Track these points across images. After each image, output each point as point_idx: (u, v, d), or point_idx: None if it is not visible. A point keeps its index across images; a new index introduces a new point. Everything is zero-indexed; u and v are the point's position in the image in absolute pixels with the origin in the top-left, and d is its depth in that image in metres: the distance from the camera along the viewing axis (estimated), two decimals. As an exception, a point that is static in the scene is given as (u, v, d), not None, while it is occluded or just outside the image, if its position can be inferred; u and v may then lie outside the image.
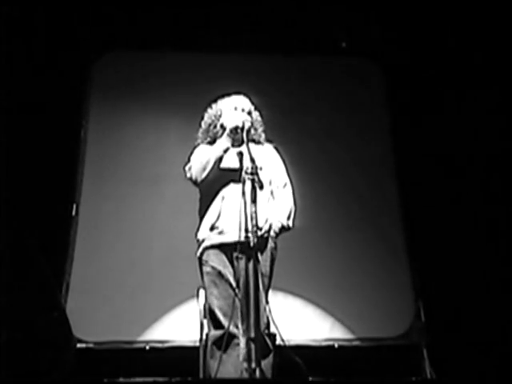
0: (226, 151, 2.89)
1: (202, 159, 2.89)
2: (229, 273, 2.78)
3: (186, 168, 3.00)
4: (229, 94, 3.15)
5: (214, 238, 2.84)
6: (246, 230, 2.49)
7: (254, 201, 2.51)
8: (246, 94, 3.16)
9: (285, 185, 3.03)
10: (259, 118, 3.14)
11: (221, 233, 2.83)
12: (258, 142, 3.10)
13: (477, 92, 4.56)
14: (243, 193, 2.58)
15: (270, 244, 2.88)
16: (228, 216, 2.80)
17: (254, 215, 2.50)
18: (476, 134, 4.51)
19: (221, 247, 2.82)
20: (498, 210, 4.33)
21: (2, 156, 3.59)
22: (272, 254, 2.88)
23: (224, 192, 2.87)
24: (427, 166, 4.57)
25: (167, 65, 4.87)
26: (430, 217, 4.43)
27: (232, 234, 2.71)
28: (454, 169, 4.51)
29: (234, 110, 3.03)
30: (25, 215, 3.87)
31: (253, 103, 3.15)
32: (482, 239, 4.27)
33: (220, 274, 2.79)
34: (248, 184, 2.56)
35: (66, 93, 4.50)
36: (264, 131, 3.15)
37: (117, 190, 4.46)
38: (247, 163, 2.61)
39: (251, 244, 2.46)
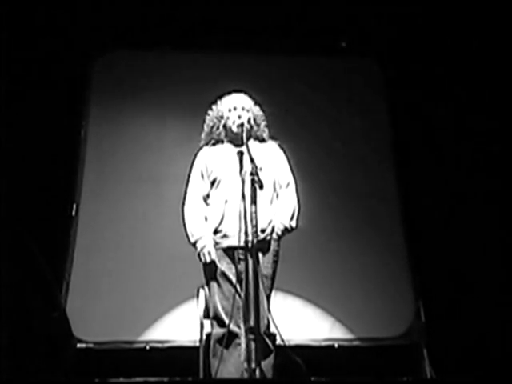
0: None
1: (191, 229, 2.91)
2: (232, 274, 2.80)
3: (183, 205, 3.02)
4: (228, 93, 3.15)
5: (218, 242, 2.87)
6: (247, 233, 2.50)
7: (254, 201, 2.52)
8: (245, 91, 3.16)
9: (288, 184, 3.03)
10: (260, 113, 3.12)
11: (224, 236, 2.85)
12: (261, 140, 3.09)
13: (477, 90, 4.56)
14: (243, 196, 2.59)
15: (273, 246, 2.89)
16: (231, 219, 2.81)
17: (253, 215, 2.50)
18: (476, 132, 4.51)
19: (224, 249, 2.85)
20: (499, 208, 4.33)
21: (2, 156, 3.59)
22: (274, 256, 2.89)
23: (227, 195, 2.87)
24: (427, 165, 4.57)
25: (167, 65, 4.86)
26: (431, 216, 4.43)
27: (235, 238, 2.74)
28: (454, 168, 4.51)
29: (233, 109, 3.03)
30: (25, 215, 3.87)
31: (253, 99, 3.14)
32: (483, 239, 4.27)
33: (224, 275, 2.81)
34: (248, 184, 2.56)
35: (65, 92, 4.50)
36: (267, 126, 3.13)
37: (117, 190, 4.47)
38: (247, 163, 2.62)
39: (249, 244, 2.47)
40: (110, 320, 4.07)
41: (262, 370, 2.38)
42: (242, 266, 2.73)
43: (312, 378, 2.63)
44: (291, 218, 2.94)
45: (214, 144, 3.07)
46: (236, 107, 3.03)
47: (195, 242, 2.88)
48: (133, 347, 4.06)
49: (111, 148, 4.60)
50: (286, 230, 2.92)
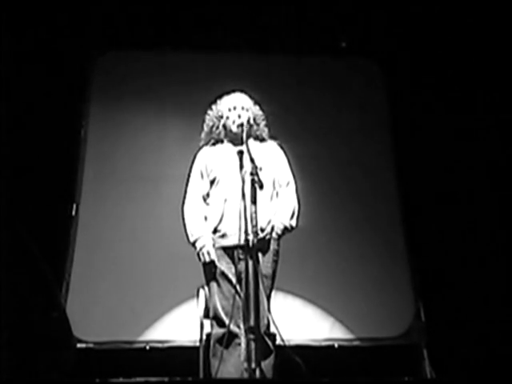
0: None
1: (190, 228, 2.91)
2: (231, 274, 2.80)
3: (183, 205, 3.02)
4: (227, 93, 3.16)
5: (217, 241, 2.86)
6: (247, 233, 2.50)
7: (254, 201, 2.52)
8: (244, 91, 3.16)
9: (288, 183, 3.03)
10: (260, 113, 3.13)
11: (223, 236, 2.85)
12: (261, 139, 3.09)
13: (477, 91, 4.56)
14: (243, 194, 2.59)
15: (273, 246, 2.88)
16: (230, 219, 2.81)
17: (253, 215, 2.50)
18: (476, 133, 4.51)
19: (224, 249, 2.84)
20: (498, 209, 4.33)
21: (2, 156, 3.59)
22: (274, 255, 2.89)
23: (226, 194, 2.87)
24: (427, 166, 4.57)
25: (167, 65, 4.86)
26: (430, 217, 4.43)
27: (234, 237, 2.74)
28: (454, 168, 4.51)
29: (233, 109, 3.03)
30: (25, 215, 3.86)
31: (252, 98, 3.15)
32: (483, 239, 4.27)
33: (223, 275, 2.81)
34: (248, 184, 2.56)
35: (66, 92, 4.50)
36: (266, 125, 3.13)
37: (117, 190, 4.46)
38: (247, 162, 2.62)
39: (250, 244, 2.47)
40: (109, 320, 4.07)
41: (261, 370, 2.38)
42: (241, 266, 2.74)
43: (312, 378, 2.63)
44: (291, 218, 2.94)
45: (213, 144, 3.08)
46: (236, 107, 3.04)
47: (194, 242, 2.88)
48: (133, 347, 4.06)
49: (111, 148, 4.60)
50: (285, 230, 2.92)
